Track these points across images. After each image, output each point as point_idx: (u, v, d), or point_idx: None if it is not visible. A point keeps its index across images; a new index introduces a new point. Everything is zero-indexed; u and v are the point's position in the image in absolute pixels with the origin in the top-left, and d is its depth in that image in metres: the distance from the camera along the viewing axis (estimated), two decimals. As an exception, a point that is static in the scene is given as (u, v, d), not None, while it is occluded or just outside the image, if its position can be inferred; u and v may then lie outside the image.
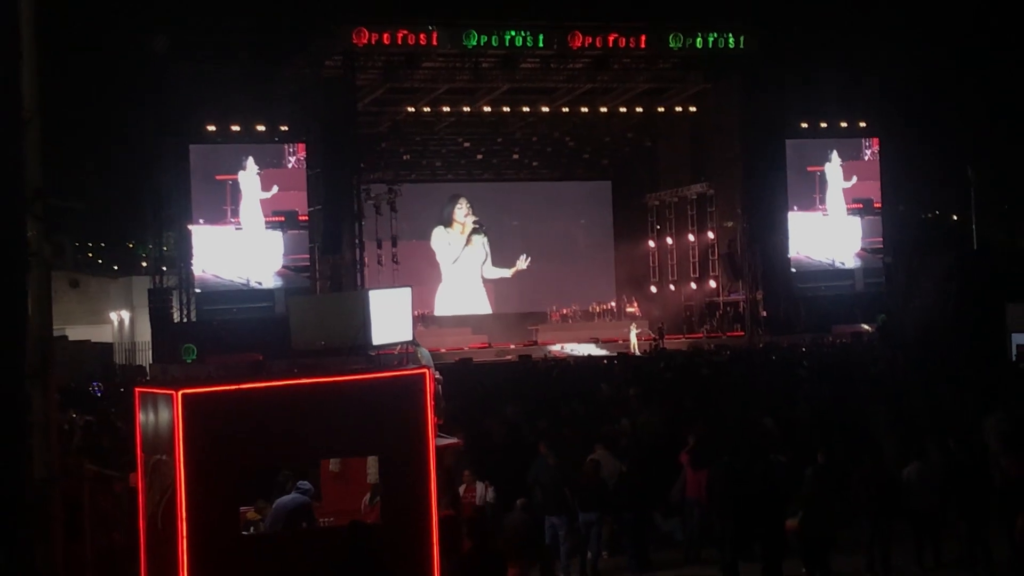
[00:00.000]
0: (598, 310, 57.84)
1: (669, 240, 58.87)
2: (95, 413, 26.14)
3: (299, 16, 45.52)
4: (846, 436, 20.76)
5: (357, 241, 47.31)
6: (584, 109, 54.02)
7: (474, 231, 58.31)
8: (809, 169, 52.66)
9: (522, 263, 58.68)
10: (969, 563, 17.05)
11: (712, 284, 55.46)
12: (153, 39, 44.01)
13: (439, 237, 58.22)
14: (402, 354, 17.78)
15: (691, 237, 56.98)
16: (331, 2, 46.32)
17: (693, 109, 54.79)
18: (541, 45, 47.58)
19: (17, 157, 11.09)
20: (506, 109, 53.03)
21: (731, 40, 49.23)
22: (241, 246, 45.70)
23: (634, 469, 18.79)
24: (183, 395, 14.20)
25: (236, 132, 45.87)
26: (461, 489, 17.50)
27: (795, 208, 52.53)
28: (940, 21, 54.79)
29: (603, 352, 47.52)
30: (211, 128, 45.56)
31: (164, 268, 48.39)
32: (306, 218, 46.45)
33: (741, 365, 34.74)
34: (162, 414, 14.85)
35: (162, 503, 14.70)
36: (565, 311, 57.11)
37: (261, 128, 46.11)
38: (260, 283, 46.04)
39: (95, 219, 62.34)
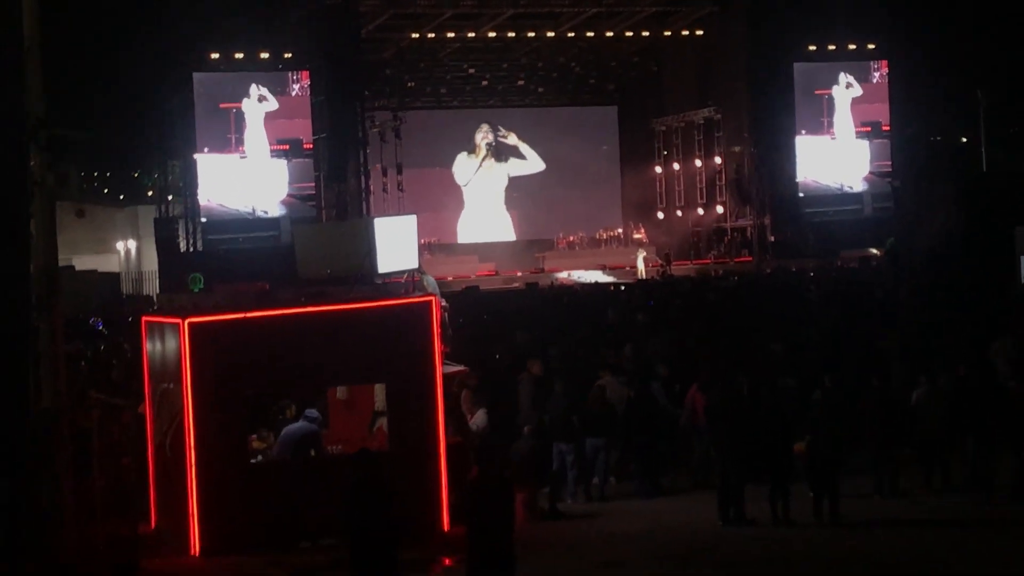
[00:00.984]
0: (605, 237, 57.63)
1: (676, 166, 58.52)
2: (103, 342, 26.20)
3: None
4: (854, 360, 20.76)
5: (362, 169, 47.07)
6: (590, 34, 53.52)
7: (490, 155, 57.74)
8: (817, 92, 52.22)
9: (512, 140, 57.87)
10: (976, 486, 17.09)
11: (719, 210, 55.22)
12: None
13: (460, 163, 57.83)
14: (408, 282, 17.76)
15: (698, 162, 56.65)
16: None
17: (700, 33, 54.30)
18: (547, -33, 47.12)
19: (18, 87, 10.97)
20: (511, 34, 52.55)
21: (738, -39, 48.75)
22: (246, 175, 45.48)
23: (641, 394, 18.82)
24: (190, 324, 14.21)
25: (239, 60, 45.52)
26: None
27: (803, 132, 52.17)
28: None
29: (610, 279, 47.44)
30: (214, 56, 45.21)
31: (170, 197, 48.27)
32: (311, 146, 46.22)
33: (749, 290, 34.70)
34: (169, 343, 14.86)
35: (170, 431, 14.77)
36: (572, 238, 56.91)
37: (265, 55, 45.75)
38: (266, 212, 45.88)
39: (99, 148, 62.00)
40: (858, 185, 52.98)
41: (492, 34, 52.04)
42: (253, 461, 15.00)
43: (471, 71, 57.27)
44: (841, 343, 22.73)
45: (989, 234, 33.10)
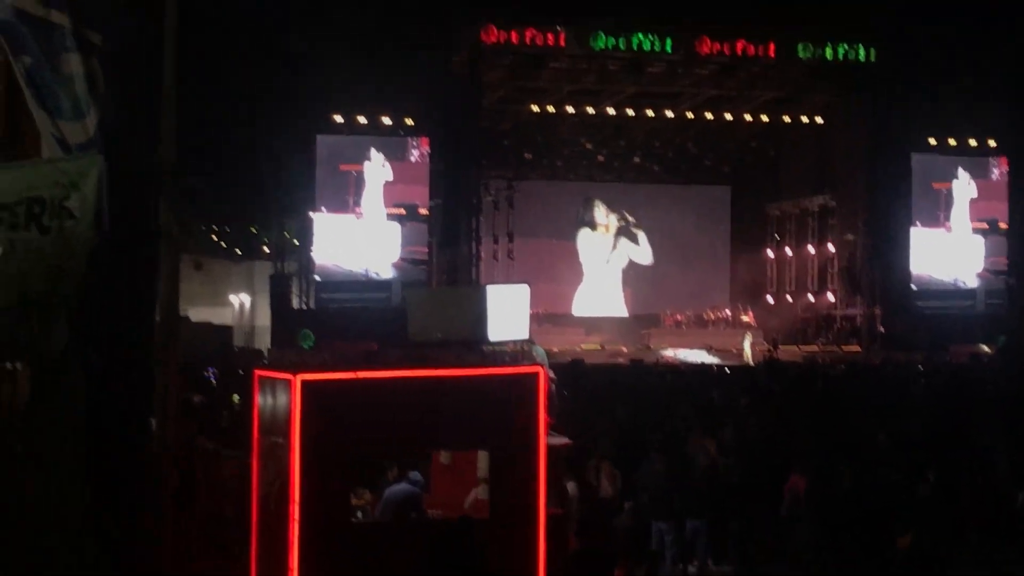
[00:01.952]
0: (712, 317, 57.42)
1: (788, 251, 58.32)
2: (214, 393, 26.65)
3: (428, 12, 45.82)
4: (960, 455, 20.48)
5: (474, 235, 47.56)
6: (709, 115, 53.75)
7: (620, 231, 58.18)
8: (935, 186, 51.87)
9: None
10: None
11: (830, 297, 54.86)
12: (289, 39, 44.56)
13: (585, 239, 58.23)
14: (516, 351, 17.87)
15: (811, 249, 56.40)
16: (460, -1, 46.65)
17: (820, 120, 54.25)
18: (669, 50, 47.43)
19: (154, 134, 11.28)
20: (630, 112, 52.94)
21: (861, 52, 48.68)
22: (361, 236, 46.17)
23: (741, 474, 18.71)
24: (302, 381, 14.44)
25: (362, 124, 46.39)
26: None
27: (917, 224, 51.79)
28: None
29: (715, 360, 47.24)
30: (338, 119, 46.12)
31: (285, 254, 49.07)
32: (426, 212, 46.82)
33: (856, 379, 34.36)
34: (280, 398, 15.09)
35: (276, 484, 14.97)
36: (679, 316, 56.80)
37: (387, 121, 46.57)
38: (377, 274, 46.49)
39: (221, 202, 63.24)
40: (972, 281, 52.32)
41: (611, 111, 52.45)
42: (354, 520, 15.16)
43: (588, 146, 57.68)
44: (948, 438, 22.44)
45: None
